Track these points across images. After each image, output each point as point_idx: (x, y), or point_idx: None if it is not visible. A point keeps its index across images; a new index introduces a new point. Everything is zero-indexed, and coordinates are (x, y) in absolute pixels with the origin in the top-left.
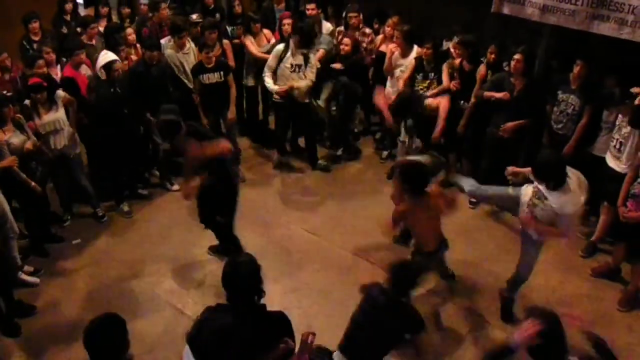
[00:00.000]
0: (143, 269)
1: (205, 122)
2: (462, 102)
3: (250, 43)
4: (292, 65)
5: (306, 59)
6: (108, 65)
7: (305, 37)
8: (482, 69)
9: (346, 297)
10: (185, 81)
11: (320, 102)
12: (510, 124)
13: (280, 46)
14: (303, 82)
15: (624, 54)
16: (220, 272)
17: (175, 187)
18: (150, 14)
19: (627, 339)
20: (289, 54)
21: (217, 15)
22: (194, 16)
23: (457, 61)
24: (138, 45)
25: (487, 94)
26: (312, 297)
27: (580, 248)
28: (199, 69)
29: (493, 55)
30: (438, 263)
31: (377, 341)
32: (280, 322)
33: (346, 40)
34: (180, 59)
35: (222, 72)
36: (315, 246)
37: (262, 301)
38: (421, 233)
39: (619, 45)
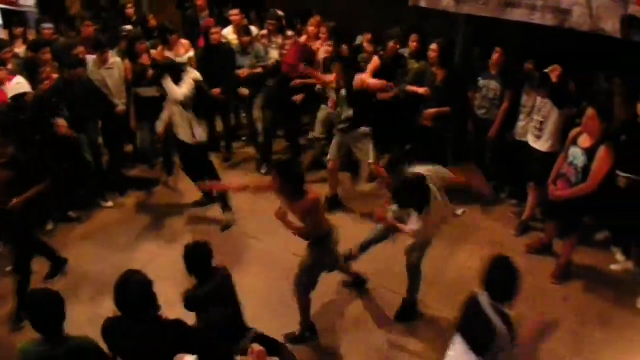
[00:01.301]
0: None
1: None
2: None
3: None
4: None
5: None
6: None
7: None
8: (375, 60)
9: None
10: (109, 96)
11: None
12: (430, 111)
13: None
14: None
15: (539, 39)
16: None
17: (109, 203)
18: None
19: (563, 309)
20: None
21: (139, 27)
22: (128, 27)
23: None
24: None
25: (409, 88)
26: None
27: (513, 227)
28: (136, 81)
29: (415, 44)
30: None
31: None
32: (175, 330)
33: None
34: (103, 74)
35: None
36: (254, 249)
37: None
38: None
39: (535, 31)
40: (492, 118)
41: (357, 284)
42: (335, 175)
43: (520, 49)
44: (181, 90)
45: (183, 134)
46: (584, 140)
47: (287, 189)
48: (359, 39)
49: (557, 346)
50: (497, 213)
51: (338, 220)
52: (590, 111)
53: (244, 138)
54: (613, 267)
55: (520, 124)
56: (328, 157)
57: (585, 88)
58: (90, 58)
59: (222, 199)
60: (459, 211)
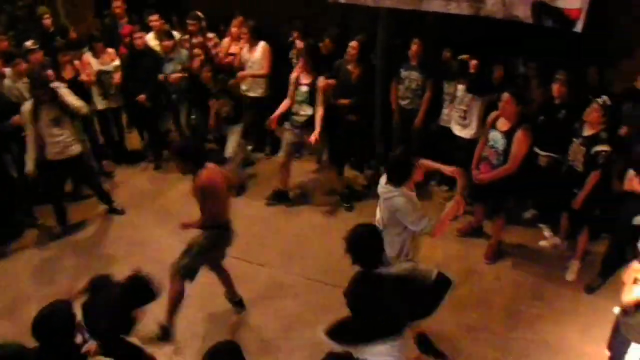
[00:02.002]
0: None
1: None
2: None
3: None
4: None
5: None
6: None
7: None
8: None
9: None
10: None
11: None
12: (343, 101)
13: None
14: None
15: (458, 28)
16: None
17: (39, 221)
18: None
19: (497, 287)
20: None
21: (58, 38)
22: (28, 43)
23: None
24: None
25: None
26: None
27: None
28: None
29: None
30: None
31: None
32: None
33: (196, 50)
34: (20, 87)
35: None
36: None
37: None
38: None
39: (454, 21)
40: (416, 108)
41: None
42: (287, 170)
43: (440, 39)
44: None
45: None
46: (503, 124)
47: (187, 167)
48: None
49: (492, 323)
50: (428, 201)
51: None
52: (505, 96)
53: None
54: (542, 243)
55: (445, 111)
56: (280, 152)
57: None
58: (8, 71)
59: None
60: None
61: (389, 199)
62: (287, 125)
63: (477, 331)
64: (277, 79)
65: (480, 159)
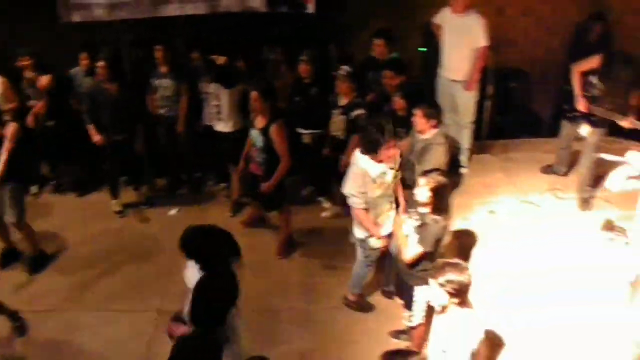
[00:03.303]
0: None
1: None
2: None
3: None
4: None
5: None
6: None
7: None
8: (42, 79)
9: None
10: None
11: None
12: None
13: None
14: None
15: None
16: None
17: None
18: None
19: (290, 268)
20: None
21: None
22: None
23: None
24: None
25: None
26: None
27: (228, 209)
28: None
29: (85, 61)
30: None
31: None
32: None
33: None
34: None
35: None
36: None
37: None
38: None
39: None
40: (176, 114)
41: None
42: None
43: (190, 42)
44: None
45: None
46: (259, 122)
47: None
48: None
49: (292, 302)
50: (211, 201)
51: None
52: (254, 94)
53: None
54: (323, 215)
55: (206, 110)
56: None
57: (254, 63)
58: None
59: None
60: (173, 212)
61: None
62: None
63: (279, 312)
64: None
65: (249, 159)
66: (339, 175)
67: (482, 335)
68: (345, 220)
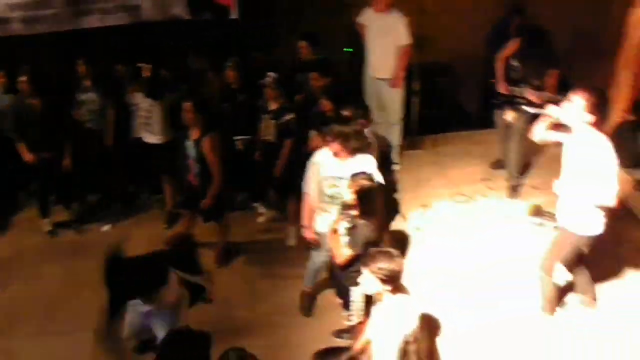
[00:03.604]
0: None
1: None
2: None
3: None
4: None
5: None
6: None
7: None
8: None
9: None
10: None
11: None
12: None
13: None
14: None
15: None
16: None
17: None
18: None
19: (232, 276)
20: None
21: None
22: None
23: None
24: None
25: None
26: None
27: (162, 221)
28: None
29: (3, 79)
30: None
31: None
32: None
33: None
34: None
35: None
36: None
37: None
38: None
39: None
40: (103, 127)
41: None
42: None
43: (113, 53)
44: None
45: None
46: (193, 133)
47: None
48: None
49: (237, 309)
50: (145, 214)
51: None
52: (186, 105)
53: None
54: (260, 220)
55: (135, 122)
56: None
57: (179, 72)
58: None
59: None
60: (105, 228)
61: None
62: None
63: (222, 321)
64: None
65: (185, 169)
66: (274, 180)
67: (416, 321)
68: (282, 224)
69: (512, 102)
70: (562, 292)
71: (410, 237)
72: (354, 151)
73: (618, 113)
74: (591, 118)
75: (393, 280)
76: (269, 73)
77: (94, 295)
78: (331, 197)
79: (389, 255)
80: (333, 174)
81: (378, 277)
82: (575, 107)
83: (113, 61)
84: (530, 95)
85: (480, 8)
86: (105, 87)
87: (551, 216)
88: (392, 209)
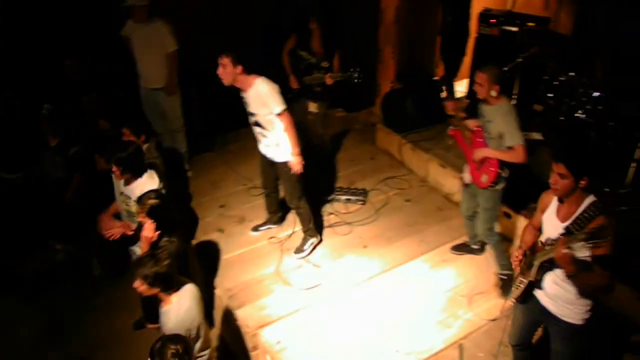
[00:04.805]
0: None
1: None
2: None
3: None
4: None
5: None
6: None
7: None
8: None
9: None
10: None
11: None
12: None
13: None
14: None
15: None
16: None
17: None
18: None
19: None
20: None
21: None
22: None
23: None
24: None
25: None
26: None
27: None
28: None
29: None
30: None
31: None
32: None
33: None
34: None
35: None
36: None
37: None
38: None
39: None
40: None
41: None
42: None
43: None
44: None
45: None
46: None
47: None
48: None
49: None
50: None
51: None
52: None
53: None
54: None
55: None
56: None
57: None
58: None
59: None
60: None
61: None
62: None
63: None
64: None
65: None
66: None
67: (194, 316)
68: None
69: (310, 95)
70: None
71: (218, 242)
72: (132, 177)
73: (386, 84)
74: None
75: (160, 283)
76: (45, 105)
77: None
78: (128, 213)
79: (152, 260)
80: (123, 191)
81: (148, 285)
82: None
83: None
84: (328, 79)
85: None
86: None
87: (358, 192)
88: (192, 216)
